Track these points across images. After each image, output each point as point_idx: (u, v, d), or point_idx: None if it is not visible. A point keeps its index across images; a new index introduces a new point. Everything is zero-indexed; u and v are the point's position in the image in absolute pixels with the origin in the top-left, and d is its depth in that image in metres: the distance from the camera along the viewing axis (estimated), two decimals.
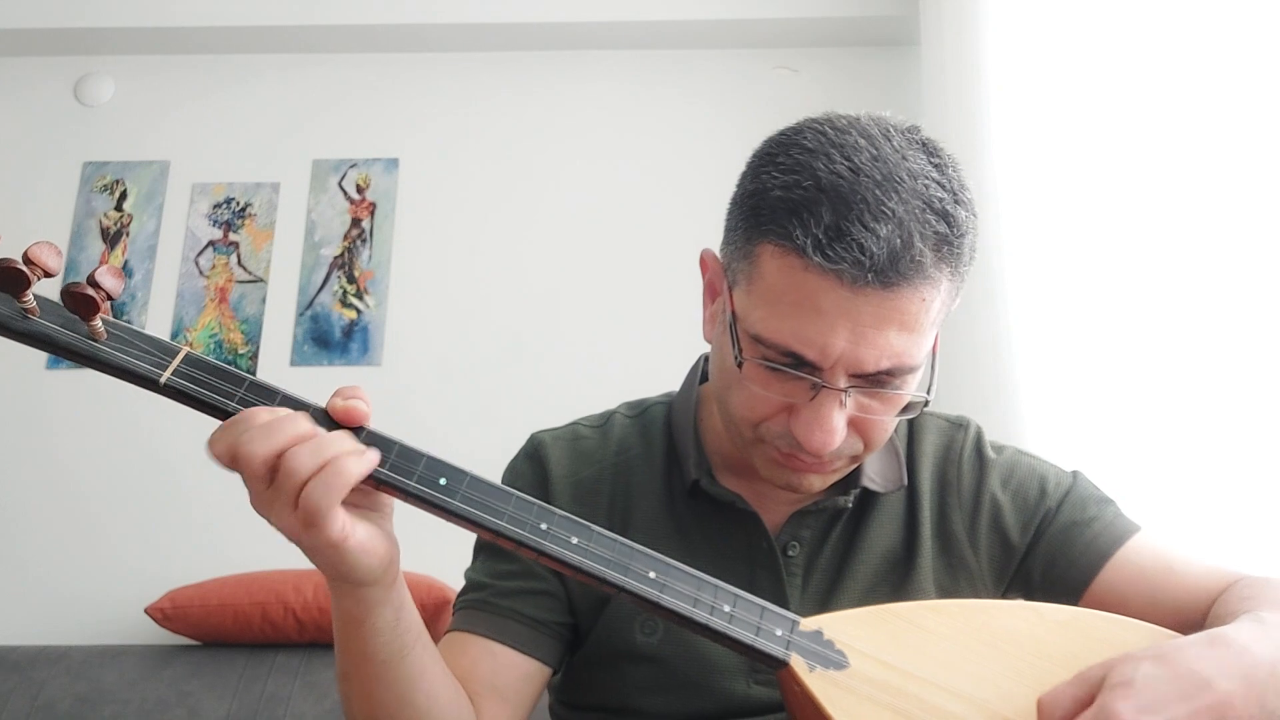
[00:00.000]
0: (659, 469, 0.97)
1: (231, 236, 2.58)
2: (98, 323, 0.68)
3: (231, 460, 0.67)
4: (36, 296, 0.68)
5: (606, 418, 1.03)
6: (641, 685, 0.91)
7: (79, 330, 0.69)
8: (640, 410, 1.04)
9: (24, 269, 0.64)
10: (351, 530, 0.68)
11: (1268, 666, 0.70)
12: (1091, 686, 0.70)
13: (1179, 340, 1.55)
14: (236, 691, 1.92)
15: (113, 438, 2.42)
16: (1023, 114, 1.93)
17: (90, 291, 0.65)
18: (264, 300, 2.53)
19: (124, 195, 2.61)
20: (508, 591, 0.93)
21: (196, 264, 2.56)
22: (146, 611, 2.05)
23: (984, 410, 1.86)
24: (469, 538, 1.02)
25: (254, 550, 2.23)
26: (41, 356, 2.47)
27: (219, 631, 2.02)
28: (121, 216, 2.60)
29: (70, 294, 0.66)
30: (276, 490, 0.67)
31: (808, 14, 2.58)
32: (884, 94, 2.59)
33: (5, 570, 2.32)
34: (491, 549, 0.97)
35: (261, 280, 2.55)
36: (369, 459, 0.69)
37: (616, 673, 0.92)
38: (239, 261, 2.56)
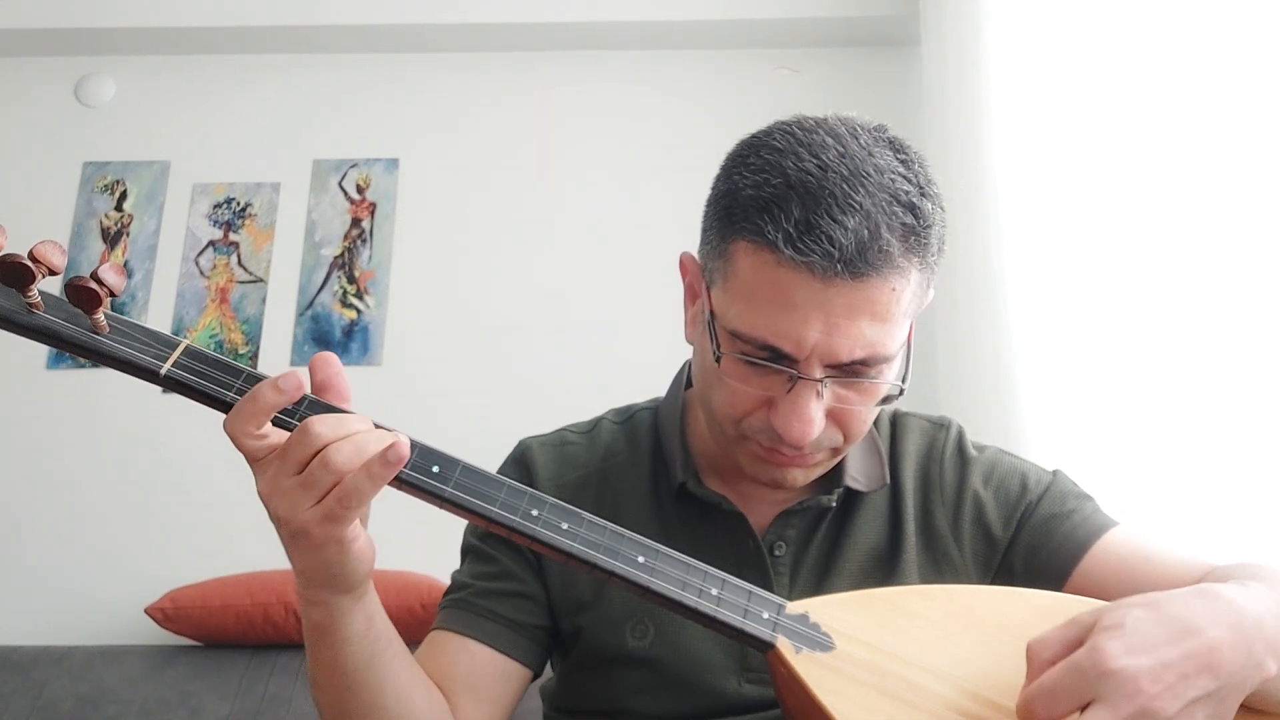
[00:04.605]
0: (645, 472, 0.99)
1: (232, 236, 2.58)
2: (100, 317, 0.70)
3: (265, 450, 0.70)
4: (41, 292, 0.70)
5: (594, 424, 1.05)
6: (634, 688, 0.92)
7: (82, 324, 0.71)
8: (627, 416, 1.06)
9: (30, 265, 0.66)
10: (359, 534, 0.71)
11: (1254, 619, 0.71)
12: (1082, 629, 0.70)
13: (1179, 340, 1.55)
14: (238, 692, 1.92)
15: (113, 438, 2.42)
16: (1023, 114, 1.93)
17: (93, 285, 0.67)
18: (264, 300, 2.53)
19: (124, 195, 2.61)
20: (487, 592, 0.94)
21: (197, 264, 2.56)
22: (147, 612, 2.05)
23: (984, 410, 1.86)
24: (453, 529, 1.03)
25: (255, 550, 2.23)
26: (42, 357, 2.48)
27: (220, 632, 2.02)
28: (122, 216, 2.60)
29: (74, 287, 0.68)
30: (306, 482, 0.68)
31: (808, 14, 2.58)
32: (884, 94, 2.59)
33: (6, 570, 2.33)
34: (477, 552, 0.98)
35: (262, 280, 2.55)
36: (401, 452, 0.69)
37: (609, 677, 0.93)
38: (239, 261, 2.56)
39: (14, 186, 2.61)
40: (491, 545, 0.97)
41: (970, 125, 2.05)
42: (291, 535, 0.70)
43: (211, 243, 2.58)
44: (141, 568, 2.29)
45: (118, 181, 2.63)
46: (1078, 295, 1.74)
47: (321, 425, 0.69)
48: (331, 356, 0.75)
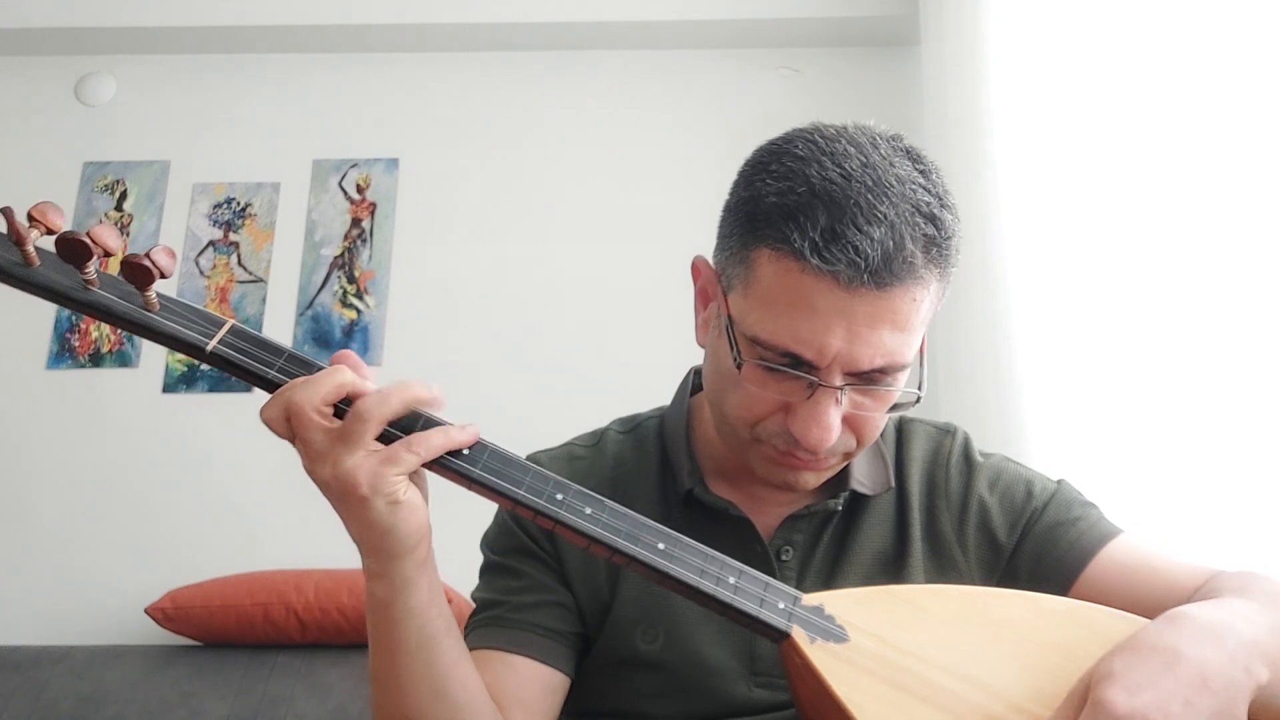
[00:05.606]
0: (654, 480, 1.00)
1: (232, 236, 2.58)
2: (152, 294, 0.74)
3: (286, 418, 0.72)
4: (96, 270, 0.74)
5: (599, 436, 1.06)
6: (645, 691, 0.92)
7: (134, 301, 0.74)
8: (633, 425, 1.06)
9: (89, 243, 0.70)
10: (408, 485, 0.74)
11: (1226, 627, 0.72)
12: (1081, 700, 0.71)
13: (1180, 341, 1.55)
14: (238, 692, 1.92)
15: (113, 437, 2.42)
16: (1023, 114, 1.93)
17: (148, 264, 0.71)
18: (264, 300, 2.53)
19: (124, 195, 2.61)
20: (523, 606, 0.94)
21: (197, 264, 2.56)
22: (147, 612, 2.05)
23: (984, 411, 1.86)
24: (473, 540, 1.04)
25: (255, 550, 2.23)
26: (42, 357, 2.48)
27: (220, 632, 2.02)
28: (122, 216, 2.60)
29: (130, 265, 0.71)
30: (349, 435, 0.71)
31: (808, 14, 2.58)
32: (884, 94, 2.60)
33: (6, 570, 2.33)
34: (502, 568, 0.98)
35: (262, 280, 2.55)
36: (474, 430, 0.77)
37: (620, 680, 0.94)
38: (239, 261, 2.56)
39: (14, 186, 2.61)
40: (516, 560, 0.97)
41: (970, 125, 2.05)
42: (342, 498, 0.72)
43: (211, 243, 2.58)
44: (141, 568, 2.29)
45: (118, 181, 2.63)
46: (1079, 298, 1.74)
47: (329, 380, 0.73)
48: (347, 354, 0.76)
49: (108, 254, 0.72)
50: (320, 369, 0.75)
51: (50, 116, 2.68)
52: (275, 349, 0.76)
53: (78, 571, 2.32)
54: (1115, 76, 1.75)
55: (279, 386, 0.74)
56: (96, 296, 0.73)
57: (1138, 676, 0.69)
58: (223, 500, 2.34)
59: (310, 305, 2.52)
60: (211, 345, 0.74)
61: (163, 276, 0.72)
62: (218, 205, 2.61)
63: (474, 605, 0.98)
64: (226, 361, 0.75)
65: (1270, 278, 1.44)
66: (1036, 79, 1.91)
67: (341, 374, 0.73)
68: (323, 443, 0.71)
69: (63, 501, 2.38)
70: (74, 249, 0.70)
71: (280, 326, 2.50)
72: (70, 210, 2.60)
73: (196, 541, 2.32)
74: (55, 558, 2.33)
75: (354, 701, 1.89)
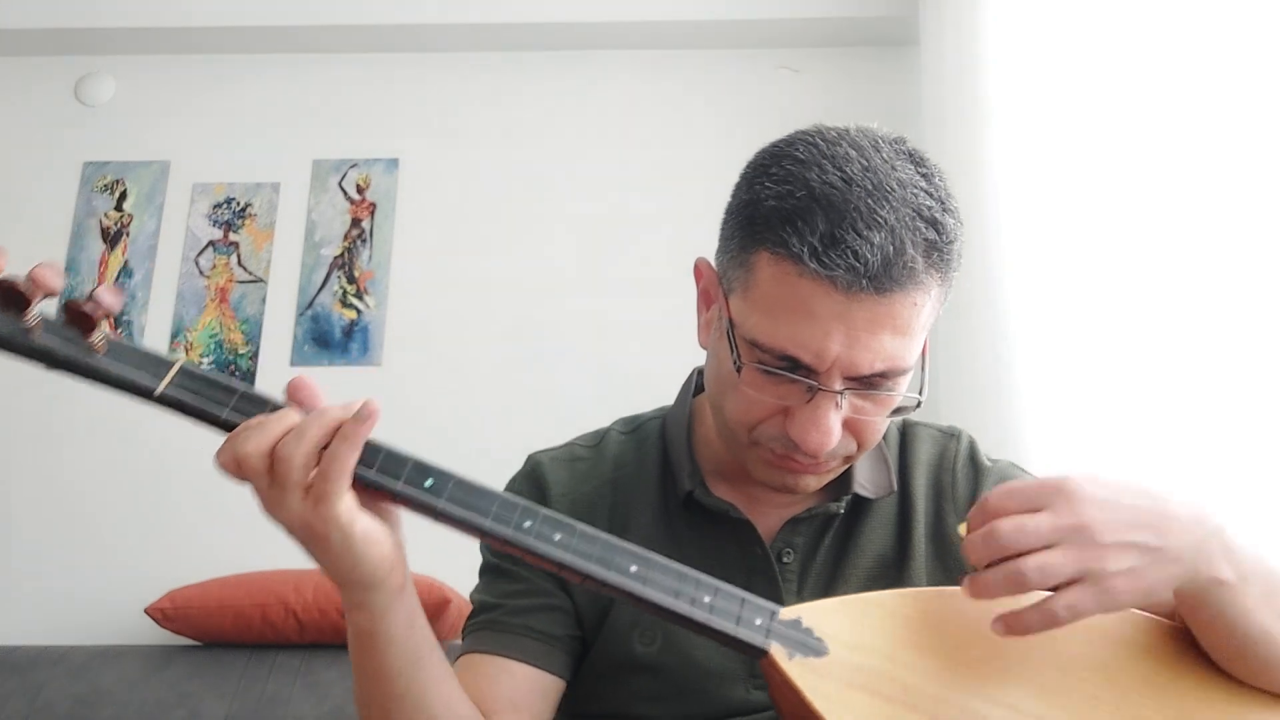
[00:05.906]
0: (654, 482, 0.99)
1: (232, 236, 2.58)
2: (96, 338, 0.71)
3: (236, 465, 0.70)
4: (41, 314, 0.71)
5: (601, 436, 1.05)
6: (642, 694, 0.92)
7: (79, 345, 0.71)
8: (634, 426, 1.06)
9: (27, 288, 0.67)
10: (357, 516, 0.71)
11: (1217, 526, 0.74)
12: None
13: (1179, 342, 1.55)
14: (237, 692, 1.92)
15: (113, 438, 2.42)
16: (1022, 114, 1.93)
17: (88, 309, 0.68)
18: (264, 300, 2.53)
19: (124, 195, 2.61)
20: (519, 609, 0.94)
21: (197, 264, 2.56)
22: (146, 612, 2.05)
23: (984, 414, 1.86)
24: (469, 540, 1.03)
25: (254, 550, 2.22)
26: None
27: (219, 632, 2.02)
28: (122, 216, 2.60)
29: (70, 309, 0.68)
30: (279, 480, 0.69)
31: (808, 14, 2.58)
32: (884, 94, 2.59)
33: (5, 571, 2.33)
34: (496, 570, 0.98)
35: (262, 280, 2.55)
36: (367, 411, 0.70)
37: (618, 683, 0.93)
38: (239, 261, 2.56)
39: (14, 186, 2.61)
40: (513, 562, 0.97)
41: (969, 125, 2.05)
42: (302, 538, 0.71)
43: (211, 243, 2.58)
44: (141, 568, 2.29)
45: (117, 181, 2.63)
46: (1078, 298, 1.73)
47: (270, 429, 0.70)
48: (300, 385, 0.74)
49: (50, 294, 0.69)
50: (276, 407, 0.72)
51: (50, 116, 2.68)
52: (226, 389, 0.73)
53: (77, 571, 2.32)
54: (1114, 76, 1.74)
55: (234, 426, 0.72)
56: (39, 342, 0.70)
57: (1112, 486, 0.72)
58: (222, 500, 2.33)
59: (310, 305, 2.52)
60: (160, 389, 0.71)
61: (106, 317, 0.69)
62: (217, 205, 2.61)
63: (473, 606, 0.98)
64: (179, 403, 0.72)
65: (1269, 278, 1.44)
66: (1035, 79, 1.91)
67: (285, 420, 0.70)
68: (267, 491, 0.70)
69: (62, 501, 2.38)
70: (11, 296, 0.67)
71: (280, 327, 2.50)
72: (70, 210, 2.60)
73: (196, 541, 2.32)
74: (54, 558, 2.33)
75: (351, 701, 1.89)
